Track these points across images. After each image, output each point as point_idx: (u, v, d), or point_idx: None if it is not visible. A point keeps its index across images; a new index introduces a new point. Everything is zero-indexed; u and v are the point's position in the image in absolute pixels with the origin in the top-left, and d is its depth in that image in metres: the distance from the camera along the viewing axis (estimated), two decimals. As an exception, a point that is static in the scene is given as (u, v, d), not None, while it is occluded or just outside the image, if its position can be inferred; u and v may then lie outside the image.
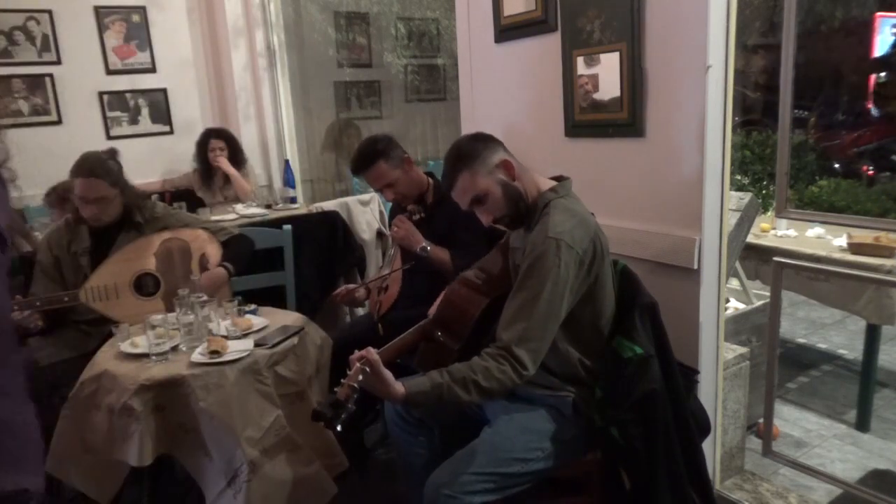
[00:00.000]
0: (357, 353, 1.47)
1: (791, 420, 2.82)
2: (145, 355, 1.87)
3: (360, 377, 1.42)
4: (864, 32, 4.88)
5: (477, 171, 1.63)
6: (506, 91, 2.46)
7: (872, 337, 2.69)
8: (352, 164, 2.41)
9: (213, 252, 2.45)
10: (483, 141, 1.68)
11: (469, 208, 1.67)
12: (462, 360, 1.59)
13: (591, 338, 1.66)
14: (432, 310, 1.91)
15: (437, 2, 5.09)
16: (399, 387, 1.46)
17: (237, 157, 3.90)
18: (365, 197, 3.67)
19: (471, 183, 1.63)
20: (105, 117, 4.11)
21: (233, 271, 2.44)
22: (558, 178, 1.72)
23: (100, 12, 4.00)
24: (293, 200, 3.74)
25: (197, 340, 1.94)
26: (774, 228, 3.12)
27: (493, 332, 1.62)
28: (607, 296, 1.66)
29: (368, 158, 2.33)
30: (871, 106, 4.82)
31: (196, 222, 2.58)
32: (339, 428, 1.40)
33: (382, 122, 5.04)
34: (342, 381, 1.43)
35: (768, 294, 2.46)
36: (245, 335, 2.01)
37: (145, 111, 4.23)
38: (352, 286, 2.50)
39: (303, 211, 3.52)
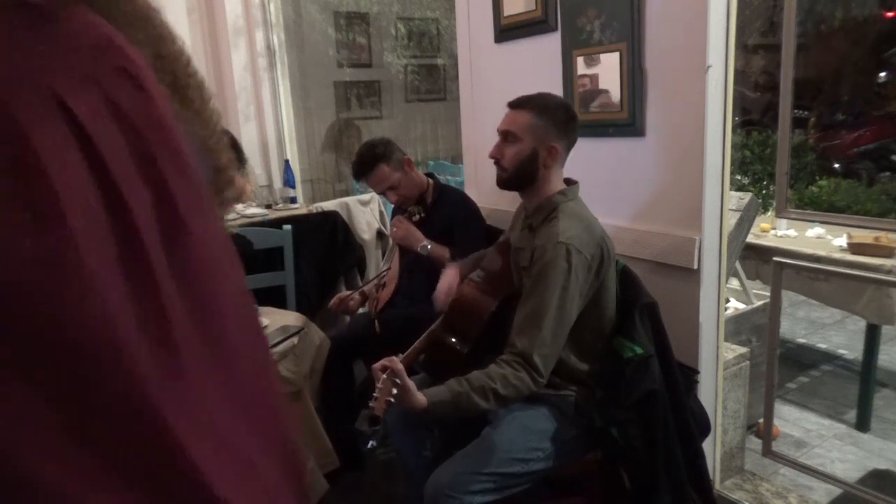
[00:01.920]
0: (380, 363, 1.46)
1: (791, 420, 2.82)
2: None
3: (395, 391, 1.41)
4: (865, 32, 4.89)
5: (537, 125, 1.64)
6: (506, 91, 2.44)
7: (872, 337, 2.69)
8: (353, 168, 2.42)
9: None
10: (565, 121, 1.68)
11: (500, 132, 1.70)
12: (470, 362, 1.59)
13: (593, 339, 1.66)
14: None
15: (437, 2, 5.09)
16: (421, 397, 1.45)
17: (236, 157, 3.90)
18: (365, 197, 3.67)
19: (524, 124, 1.65)
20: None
21: None
22: (566, 181, 1.73)
23: (100, 12, 4.00)
24: (293, 200, 3.74)
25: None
26: (774, 228, 3.12)
27: (497, 332, 1.62)
28: (611, 299, 1.67)
29: (369, 162, 2.34)
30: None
31: None
32: (375, 444, 1.40)
33: (382, 122, 5.03)
34: (375, 395, 1.41)
35: (768, 294, 2.46)
36: (245, 335, 2.00)
37: (145, 111, 4.22)
38: (345, 294, 2.52)
39: (303, 211, 3.52)
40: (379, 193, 2.49)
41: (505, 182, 1.70)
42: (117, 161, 0.42)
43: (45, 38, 0.41)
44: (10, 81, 0.39)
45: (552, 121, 1.65)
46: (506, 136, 1.68)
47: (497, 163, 1.70)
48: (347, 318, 3.35)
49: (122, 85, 0.45)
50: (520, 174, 1.66)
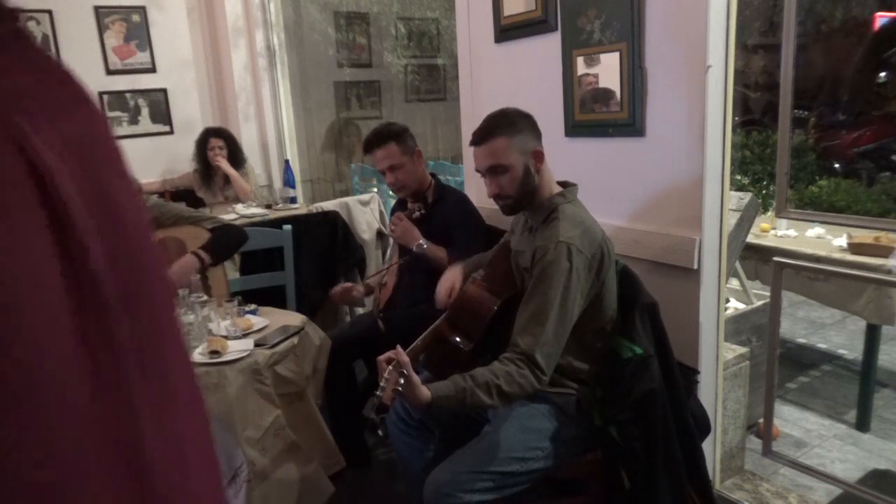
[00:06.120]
0: (385, 355, 1.46)
1: (791, 420, 2.81)
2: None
3: (402, 380, 1.41)
4: (864, 32, 4.89)
5: (514, 143, 1.64)
6: (506, 91, 2.46)
7: (872, 337, 2.69)
8: (365, 141, 2.47)
9: None
10: (531, 124, 1.70)
11: (484, 171, 1.69)
12: (472, 361, 1.59)
13: (594, 339, 1.67)
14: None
15: (437, 2, 5.09)
16: (425, 391, 1.45)
17: (236, 156, 3.90)
18: (365, 197, 3.67)
19: (504, 150, 1.64)
20: (105, 117, 4.10)
21: (207, 260, 2.27)
22: (564, 184, 1.74)
23: (100, 12, 4.00)
24: (293, 200, 3.74)
25: (197, 340, 1.94)
26: (774, 228, 3.12)
27: (500, 331, 1.62)
28: (612, 300, 1.68)
29: (382, 137, 2.39)
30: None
31: (187, 213, 2.53)
32: (382, 433, 1.41)
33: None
34: (382, 385, 1.41)
35: (768, 294, 2.46)
36: (245, 335, 2.01)
37: (145, 111, 4.23)
38: (349, 284, 2.52)
39: (303, 211, 3.52)
40: (380, 172, 2.50)
41: (512, 207, 1.71)
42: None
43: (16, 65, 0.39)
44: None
45: (523, 130, 1.67)
46: (494, 170, 1.66)
47: (498, 196, 1.70)
48: (348, 318, 3.36)
49: (75, 111, 0.42)
50: (524, 193, 1.67)
